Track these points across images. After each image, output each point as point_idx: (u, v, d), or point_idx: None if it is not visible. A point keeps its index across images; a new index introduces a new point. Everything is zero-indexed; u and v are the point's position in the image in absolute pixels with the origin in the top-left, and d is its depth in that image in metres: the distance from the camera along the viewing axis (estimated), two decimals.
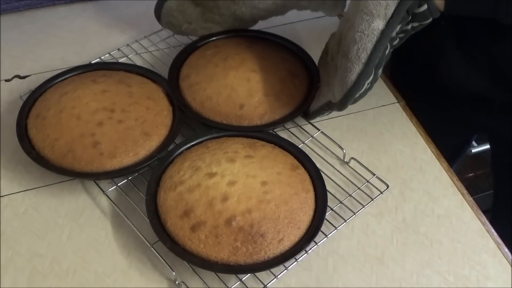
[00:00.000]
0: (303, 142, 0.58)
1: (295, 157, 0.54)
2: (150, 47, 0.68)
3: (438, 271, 0.49)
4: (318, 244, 0.49)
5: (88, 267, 0.49)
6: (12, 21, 0.73)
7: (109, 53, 0.67)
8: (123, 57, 0.67)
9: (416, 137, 0.60)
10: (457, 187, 0.56)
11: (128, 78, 0.60)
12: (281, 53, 0.63)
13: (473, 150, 1.15)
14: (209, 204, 0.48)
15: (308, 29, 0.73)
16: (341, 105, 0.51)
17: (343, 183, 0.55)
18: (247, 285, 0.47)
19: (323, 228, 0.49)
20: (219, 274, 0.47)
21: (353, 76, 0.49)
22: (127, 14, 0.74)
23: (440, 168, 0.57)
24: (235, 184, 0.49)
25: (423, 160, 0.58)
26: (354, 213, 0.52)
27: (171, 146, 0.55)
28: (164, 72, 0.61)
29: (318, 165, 0.54)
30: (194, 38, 0.68)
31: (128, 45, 0.68)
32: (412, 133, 0.61)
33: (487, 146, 1.15)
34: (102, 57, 0.66)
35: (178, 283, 0.47)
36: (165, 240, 0.47)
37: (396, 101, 0.64)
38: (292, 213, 0.48)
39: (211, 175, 0.50)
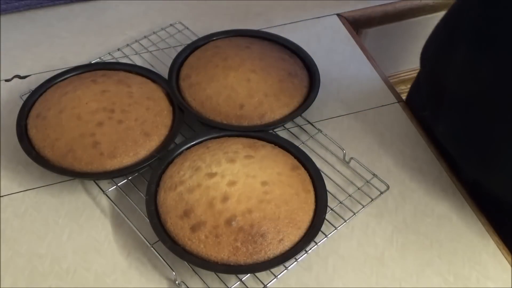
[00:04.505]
0: (303, 142, 0.58)
1: (295, 157, 0.54)
2: (150, 47, 0.69)
3: (438, 271, 0.49)
4: (318, 244, 0.49)
5: (88, 267, 0.49)
6: (12, 21, 0.73)
7: (109, 53, 0.67)
8: (123, 57, 0.67)
9: (416, 137, 0.60)
10: (457, 187, 0.56)
11: (128, 78, 0.60)
12: (281, 53, 0.63)
13: None
14: (209, 204, 0.48)
15: (308, 29, 0.73)
16: None
17: (343, 183, 0.55)
18: (247, 285, 0.47)
19: (323, 228, 0.49)
20: (219, 274, 0.47)
21: None
22: (127, 14, 0.74)
23: (440, 168, 0.57)
24: (235, 184, 0.49)
25: (423, 160, 0.58)
26: (354, 213, 0.52)
27: (171, 146, 0.55)
28: (164, 72, 0.61)
29: (318, 165, 0.54)
30: (194, 38, 0.68)
31: (128, 45, 0.68)
32: (412, 133, 0.61)
33: None
34: (102, 57, 0.66)
35: (178, 283, 0.47)
36: (165, 240, 0.47)
37: (396, 101, 0.64)
38: (292, 213, 0.48)
39: (211, 175, 0.50)
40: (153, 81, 0.61)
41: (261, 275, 0.47)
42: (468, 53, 0.50)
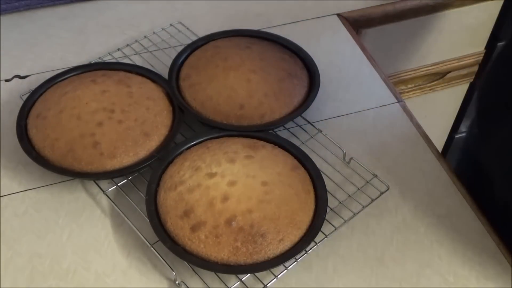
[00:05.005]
0: (303, 142, 0.58)
1: (295, 157, 0.54)
2: (150, 47, 0.69)
3: (438, 271, 0.49)
4: (318, 244, 0.49)
5: (88, 267, 0.49)
6: (12, 21, 0.73)
7: (109, 53, 0.67)
8: (123, 57, 0.67)
9: (416, 137, 0.60)
10: (457, 187, 0.56)
11: (128, 78, 0.60)
12: (281, 53, 0.63)
13: None
14: (209, 204, 0.48)
15: (308, 29, 0.73)
16: None
17: (343, 183, 0.55)
18: (247, 285, 0.47)
19: (323, 228, 0.49)
20: (219, 274, 0.47)
21: None
22: (127, 14, 0.74)
23: (440, 168, 0.57)
24: (235, 184, 0.49)
25: (423, 160, 0.58)
26: (354, 214, 0.52)
27: (171, 146, 0.55)
28: (164, 72, 0.61)
29: (318, 165, 0.54)
30: (194, 38, 0.68)
31: (128, 45, 0.68)
32: (412, 133, 0.61)
33: None
34: (102, 57, 0.66)
35: (178, 283, 0.47)
36: (165, 240, 0.47)
37: (396, 101, 0.64)
38: (292, 213, 0.48)
39: (211, 175, 0.50)
40: (153, 81, 0.61)
41: (261, 275, 0.47)
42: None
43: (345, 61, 0.69)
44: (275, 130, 0.59)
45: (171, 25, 0.71)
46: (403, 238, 0.52)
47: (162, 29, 0.71)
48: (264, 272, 0.47)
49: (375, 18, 0.78)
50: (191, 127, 0.59)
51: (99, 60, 0.66)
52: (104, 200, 0.54)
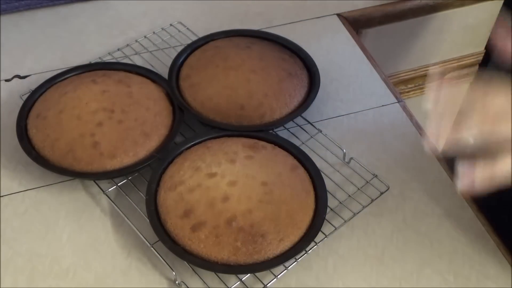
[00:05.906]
0: (303, 142, 0.58)
1: (295, 157, 0.54)
2: (150, 47, 0.69)
3: (438, 271, 0.49)
4: (318, 244, 0.49)
5: (88, 267, 0.49)
6: (12, 21, 0.73)
7: (109, 53, 0.67)
8: (123, 57, 0.67)
9: (416, 137, 0.60)
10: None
11: (128, 78, 0.60)
12: (281, 53, 0.63)
13: None
14: (210, 204, 0.48)
15: (308, 29, 0.73)
16: None
17: (343, 183, 0.55)
18: (247, 285, 0.47)
19: (323, 228, 0.49)
20: (219, 274, 0.47)
21: None
22: (127, 14, 0.74)
23: (440, 168, 0.57)
24: (235, 184, 0.49)
25: (423, 160, 0.58)
26: (354, 214, 0.52)
27: (171, 146, 0.55)
28: (164, 72, 0.61)
29: (318, 165, 0.54)
30: (194, 38, 0.68)
31: (128, 45, 0.68)
32: (412, 133, 0.61)
33: None
34: (102, 57, 0.66)
35: (178, 283, 0.47)
36: (165, 240, 0.47)
37: (396, 101, 0.64)
38: (292, 213, 0.48)
39: (211, 175, 0.50)
40: (153, 81, 0.61)
41: (261, 275, 0.47)
42: None
43: (345, 61, 0.69)
44: (275, 130, 0.59)
45: (171, 25, 0.71)
46: (403, 238, 0.52)
47: (162, 29, 0.71)
48: (264, 272, 0.47)
49: (375, 18, 0.78)
50: (191, 127, 0.59)
51: (99, 60, 0.66)
52: (104, 200, 0.54)
